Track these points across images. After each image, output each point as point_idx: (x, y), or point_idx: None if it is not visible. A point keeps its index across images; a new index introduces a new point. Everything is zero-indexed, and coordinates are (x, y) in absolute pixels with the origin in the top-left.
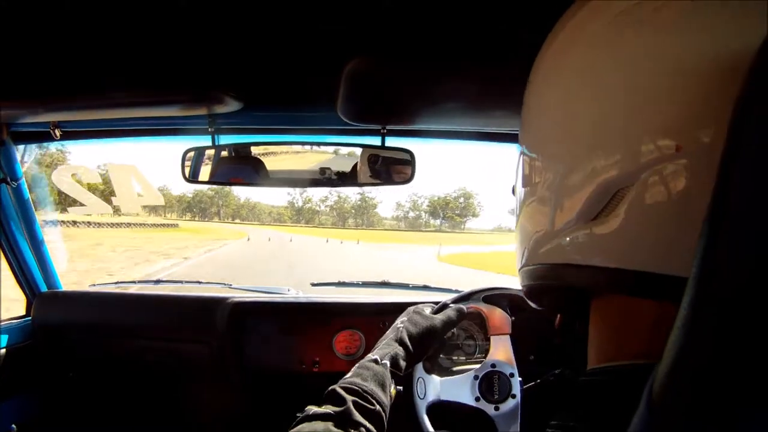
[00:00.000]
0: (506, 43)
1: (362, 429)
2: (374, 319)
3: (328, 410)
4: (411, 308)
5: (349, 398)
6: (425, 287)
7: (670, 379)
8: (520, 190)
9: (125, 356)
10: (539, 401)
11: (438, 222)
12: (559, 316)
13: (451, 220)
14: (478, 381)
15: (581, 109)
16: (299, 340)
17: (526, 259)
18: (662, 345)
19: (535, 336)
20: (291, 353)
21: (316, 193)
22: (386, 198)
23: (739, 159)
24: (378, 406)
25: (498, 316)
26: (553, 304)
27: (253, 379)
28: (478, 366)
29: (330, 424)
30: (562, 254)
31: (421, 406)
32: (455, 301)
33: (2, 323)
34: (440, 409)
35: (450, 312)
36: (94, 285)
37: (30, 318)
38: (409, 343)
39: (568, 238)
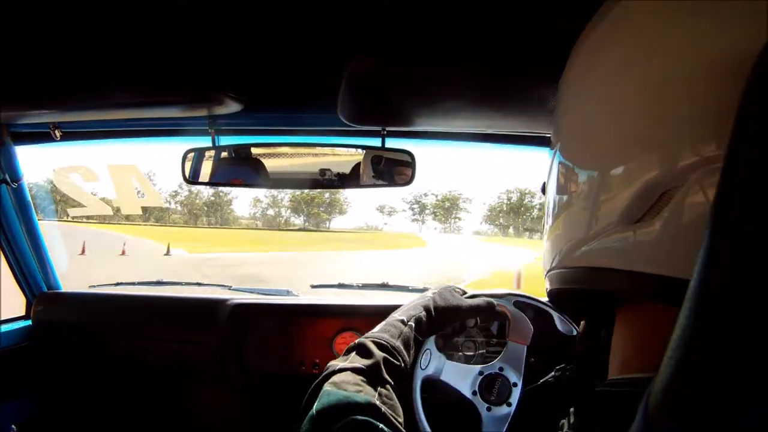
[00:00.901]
0: (507, 43)
1: (388, 387)
2: (374, 320)
3: (357, 364)
4: (443, 286)
5: (380, 354)
6: (425, 290)
7: (666, 392)
8: (554, 192)
9: (125, 357)
10: (537, 405)
11: (301, 220)
12: (583, 323)
13: (315, 218)
14: (481, 377)
15: (627, 106)
16: (299, 341)
17: (558, 262)
18: None
19: (537, 338)
20: (291, 355)
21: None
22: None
23: (740, 162)
24: (404, 365)
25: (523, 323)
26: (577, 309)
27: (253, 380)
28: (486, 365)
29: (360, 378)
30: (600, 257)
31: (419, 376)
32: (488, 296)
33: (2, 323)
34: (432, 388)
35: (480, 301)
36: (93, 286)
37: (30, 318)
38: (434, 313)
39: (608, 241)
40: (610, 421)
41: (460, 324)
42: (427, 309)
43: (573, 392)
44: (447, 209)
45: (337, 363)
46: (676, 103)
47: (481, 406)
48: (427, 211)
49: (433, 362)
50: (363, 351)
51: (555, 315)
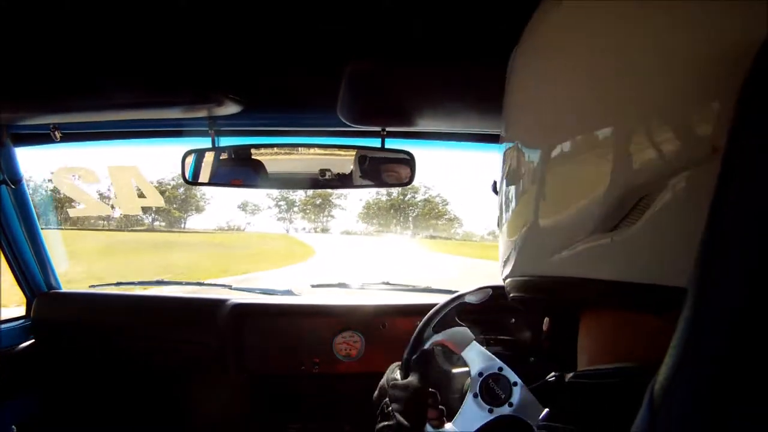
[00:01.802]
0: (506, 43)
1: None
2: (374, 320)
3: None
4: (383, 381)
5: None
6: (427, 289)
7: (671, 380)
8: (513, 194)
9: (125, 357)
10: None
11: (149, 219)
12: (547, 320)
13: (167, 216)
14: (481, 379)
15: (599, 112)
16: (299, 341)
17: (518, 268)
18: (660, 351)
19: (536, 338)
20: (291, 354)
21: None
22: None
23: (738, 163)
24: None
25: (451, 341)
26: (542, 310)
27: (253, 380)
28: (484, 366)
29: None
30: (574, 267)
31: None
32: (410, 354)
33: (2, 323)
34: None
35: (414, 377)
36: (94, 285)
37: (30, 318)
38: (407, 423)
39: (582, 249)
40: (582, 411)
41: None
42: (397, 425)
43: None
44: (318, 206)
45: None
46: (653, 106)
47: (483, 408)
48: (295, 209)
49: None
50: None
51: (466, 297)
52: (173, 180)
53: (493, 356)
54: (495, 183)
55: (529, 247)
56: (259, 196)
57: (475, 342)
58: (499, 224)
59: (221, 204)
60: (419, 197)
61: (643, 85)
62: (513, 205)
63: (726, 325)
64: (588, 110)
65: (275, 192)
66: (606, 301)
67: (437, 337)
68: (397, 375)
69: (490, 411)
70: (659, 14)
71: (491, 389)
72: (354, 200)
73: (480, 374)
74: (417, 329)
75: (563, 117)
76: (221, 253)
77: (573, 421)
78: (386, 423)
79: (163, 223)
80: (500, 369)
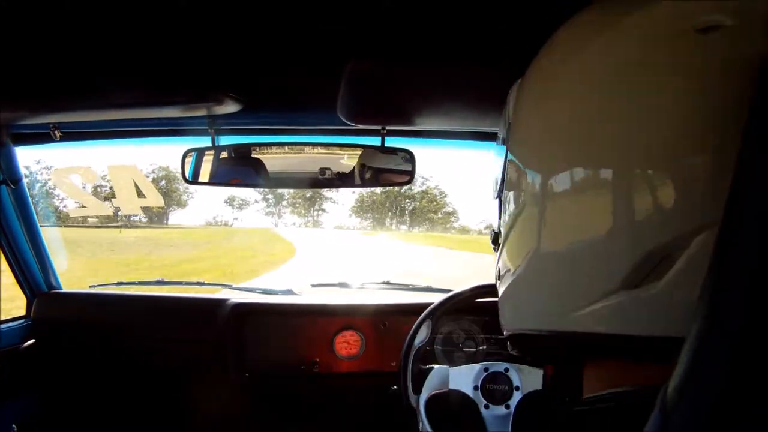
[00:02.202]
0: (507, 43)
1: None
2: (375, 319)
3: None
4: None
5: None
6: (427, 288)
7: (684, 382)
8: (530, 246)
9: (126, 357)
10: (534, 414)
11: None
12: (550, 367)
13: (146, 210)
14: (486, 373)
15: (620, 165)
16: (299, 341)
17: (540, 320)
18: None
19: None
20: (291, 354)
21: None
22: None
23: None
24: None
25: (435, 389)
26: (545, 358)
27: (253, 380)
28: (492, 363)
29: None
30: (598, 322)
31: (421, 402)
32: (406, 355)
33: (2, 323)
34: (434, 401)
35: None
36: (94, 285)
37: (30, 318)
38: None
39: (605, 305)
40: None
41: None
42: None
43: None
44: (309, 199)
45: None
46: (677, 166)
47: (480, 402)
48: (284, 203)
49: (433, 379)
50: None
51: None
52: (152, 173)
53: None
54: (495, 235)
55: (541, 299)
56: (248, 190)
57: (449, 368)
58: (499, 242)
59: (207, 198)
60: (416, 189)
61: (665, 146)
62: (522, 248)
63: (738, 328)
64: (610, 171)
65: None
66: (631, 354)
67: (423, 397)
68: None
69: (474, 388)
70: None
71: (493, 385)
72: (346, 193)
73: (485, 369)
74: (411, 330)
75: (585, 165)
76: (167, 256)
77: None
78: None
79: (145, 219)
80: (506, 370)
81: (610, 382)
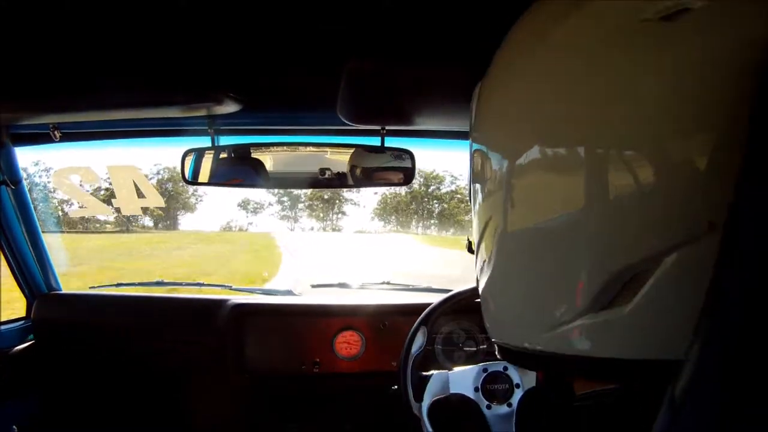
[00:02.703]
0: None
1: None
2: (375, 319)
3: None
4: None
5: None
6: (428, 288)
7: (693, 379)
8: (502, 258)
9: (125, 358)
10: (536, 410)
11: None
12: (539, 374)
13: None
14: (485, 374)
15: (589, 184)
16: (299, 341)
17: (512, 338)
18: None
19: None
20: (291, 354)
21: None
22: None
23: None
24: None
25: (438, 394)
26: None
27: (254, 380)
28: (490, 363)
29: None
30: (567, 344)
31: (423, 408)
32: (405, 356)
33: (2, 324)
34: (438, 408)
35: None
36: (94, 287)
37: (30, 319)
38: None
39: (574, 327)
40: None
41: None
42: None
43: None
44: (328, 201)
45: None
46: (649, 184)
47: (482, 403)
48: (300, 205)
49: (434, 385)
50: None
51: None
52: (157, 174)
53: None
54: (469, 242)
55: (516, 315)
56: (261, 193)
57: (448, 372)
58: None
59: (218, 202)
60: (445, 189)
61: (638, 163)
62: (495, 266)
63: (744, 321)
64: (579, 192)
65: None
66: (598, 376)
67: (425, 404)
68: None
69: (475, 390)
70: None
71: (493, 386)
72: (368, 194)
73: (485, 369)
74: (407, 339)
75: (547, 192)
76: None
77: None
78: None
79: (150, 224)
80: (505, 368)
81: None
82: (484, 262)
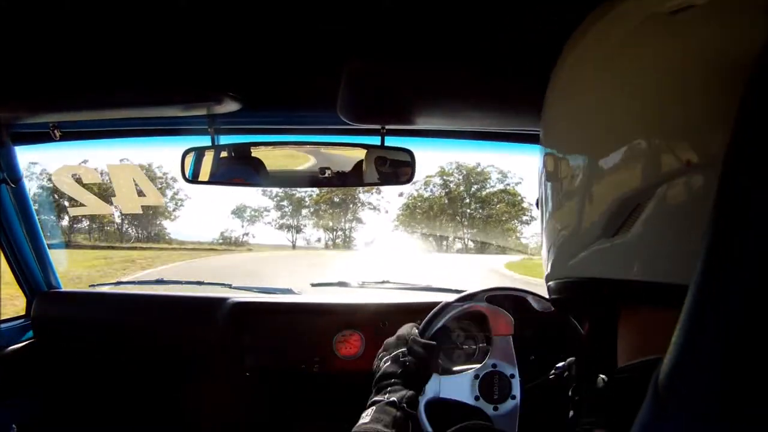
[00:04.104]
0: (506, 43)
1: None
2: (375, 319)
3: None
4: (405, 332)
5: None
6: (427, 288)
7: (676, 371)
8: (548, 209)
9: (125, 356)
10: (541, 401)
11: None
12: (587, 325)
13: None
14: (478, 380)
15: (598, 124)
16: (299, 340)
17: (553, 272)
18: None
19: (537, 336)
20: (291, 353)
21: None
22: None
23: (742, 166)
24: None
25: (501, 317)
26: (580, 312)
27: (253, 379)
28: (479, 366)
29: None
30: (587, 268)
31: (420, 403)
32: (459, 300)
33: (2, 323)
34: (438, 408)
35: (453, 315)
36: (94, 285)
37: (30, 317)
38: (415, 368)
39: (591, 253)
40: (623, 406)
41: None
42: (406, 373)
43: (580, 386)
44: (338, 205)
45: None
46: (639, 129)
47: (487, 408)
48: (304, 211)
49: (429, 386)
50: None
51: (529, 297)
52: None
53: (514, 356)
54: (538, 198)
55: (554, 252)
56: (258, 196)
57: (440, 377)
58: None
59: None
60: (492, 188)
61: (630, 109)
62: (546, 213)
63: (730, 316)
64: (596, 133)
65: (274, 190)
66: (616, 297)
67: (483, 304)
68: (416, 332)
69: (476, 399)
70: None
71: (491, 386)
72: (391, 195)
73: (476, 376)
74: (475, 290)
75: (581, 137)
76: None
77: (616, 419)
78: (396, 369)
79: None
80: (494, 366)
81: (635, 336)
82: (543, 206)
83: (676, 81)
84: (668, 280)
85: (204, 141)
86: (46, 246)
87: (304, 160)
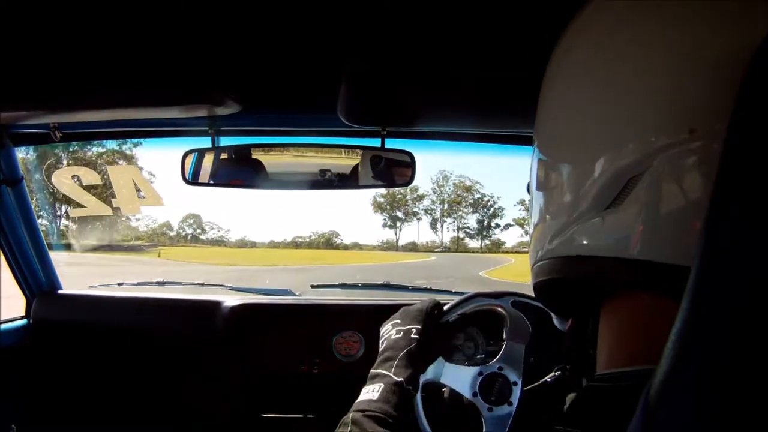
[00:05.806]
0: (506, 44)
1: None
2: (374, 320)
3: None
4: (425, 307)
5: None
6: (427, 289)
7: (667, 385)
8: (534, 188)
9: (125, 357)
10: (536, 405)
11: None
12: (571, 320)
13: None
14: (480, 378)
15: (593, 100)
16: (299, 341)
17: (537, 254)
18: (660, 346)
19: (536, 338)
20: (291, 355)
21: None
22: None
23: (742, 148)
24: None
25: (520, 323)
26: (564, 304)
27: (253, 380)
28: (485, 364)
29: None
30: (574, 245)
31: (419, 381)
32: (485, 295)
33: (2, 323)
34: (432, 391)
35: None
36: (94, 286)
37: (30, 318)
38: (420, 349)
39: (580, 229)
40: (598, 417)
41: (459, 327)
42: (415, 350)
43: (566, 392)
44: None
45: None
46: (636, 97)
47: (483, 407)
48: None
49: (432, 368)
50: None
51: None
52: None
53: (522, 366)
54: (528, 183)
55: (541, 232)
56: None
57: (444, 362)
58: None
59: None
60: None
61: (627, 87)
62: (534, 201)
63: (726, 324)
64: (587, 103)
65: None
66: (603, 277)
67: (508, 307)
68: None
69: (474, 395)
70: (655, 23)
71: (492, 387)
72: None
73: (480, 373)
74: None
75: (576, 131)
76: None
77: (588, 425)
78: (406, 344)
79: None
80: (500, 368)
81: (623, 325)
82: (534, 195)
83: (679, 58)
84: (660, 259)
85: (204, 142)
86: (47, 246)
87: (304, 162)
